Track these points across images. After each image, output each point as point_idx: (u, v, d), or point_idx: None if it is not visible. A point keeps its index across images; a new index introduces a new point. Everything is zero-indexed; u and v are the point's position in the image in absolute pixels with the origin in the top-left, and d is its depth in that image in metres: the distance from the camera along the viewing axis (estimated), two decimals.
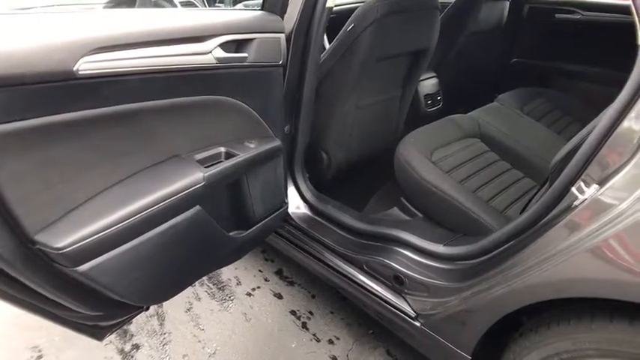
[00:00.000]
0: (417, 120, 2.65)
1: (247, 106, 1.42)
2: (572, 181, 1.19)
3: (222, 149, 1.39)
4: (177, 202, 1.21)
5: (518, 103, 2.59)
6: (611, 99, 1.13)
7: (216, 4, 2.63)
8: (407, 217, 1.91)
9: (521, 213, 1.75)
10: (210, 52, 1.21)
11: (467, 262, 1.51)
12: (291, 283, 2.32)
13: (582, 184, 1.15)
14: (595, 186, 1.12)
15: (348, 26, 1.83)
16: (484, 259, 1.46)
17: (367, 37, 1.84)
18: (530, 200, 1.76)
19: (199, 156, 1.33)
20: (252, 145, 1.44)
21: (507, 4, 2.75)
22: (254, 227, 1.59)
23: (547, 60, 3.04)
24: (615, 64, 2.89)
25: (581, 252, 1.10)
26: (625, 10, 2.75)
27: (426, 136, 2.02)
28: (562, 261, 1.14)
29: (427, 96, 2.62)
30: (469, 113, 2.35)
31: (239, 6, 3.06)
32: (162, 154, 1.26)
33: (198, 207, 1.28)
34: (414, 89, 2.41)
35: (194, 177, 1.24)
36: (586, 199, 1.12)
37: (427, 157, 1.88)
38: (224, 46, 1.27)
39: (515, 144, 2.18)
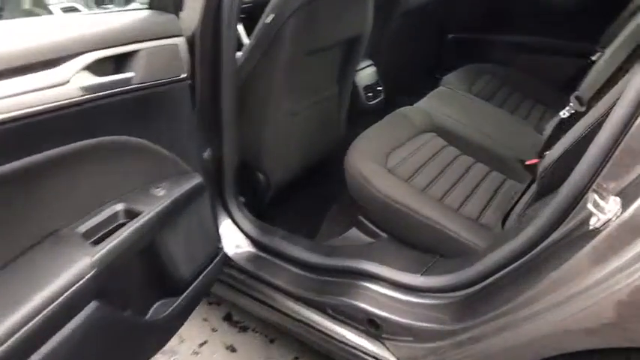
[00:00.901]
0: (359, 117, 2.34)
1: (146, 141, 1.05)
2: (582, 192, 0.93)
3: (120, 207, 1.01)
4: (60, 309, 0.82)
5: (465, 84, 2.35)
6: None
7: (105, 6, 2.18)
8: (369, 239, 1.60)
9: (504, 222, 1.50)
10: (68, 80, 0.82)
11: (455, 294, 1.22)
12: (244, 329, 1.96)
13: (596, 196, 0.88)
14: (615, 200, 0.85)
15: (267, 17, 1.48)
16: (476, 289, 1.17)
17: (292, 28, 1.50)
18: (513, 207, 1.50)
19: (88, 225, 0.95)
20: (160, 193, 1.07)
21: None
22: (184, 294, 1.21)
23: (485, 33, 2.82)
24: (555, 32, 2.79)
25: (620, 291, 0.83)
26: None
27: (377, 138, 1.71)
28: (593, 303, 0.87)
29: (367, 88, 2.31)
30: (417, 103, 2.07)
31: (133, 5, 2.59)
32: (33, 233, 0.88)
33: (95, 303, 0.90)
34: (351, 83, 2.10)
35: (78, 266, 0.85)
36: (610, 220, 0.84)
37: (382, 164, 1.57)
38: (95, 67, 0.89)
39: (474, 133, 1.92)
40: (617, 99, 0.90)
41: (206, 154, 1.40)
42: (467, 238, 1.37)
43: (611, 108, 0.94)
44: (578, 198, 0.95)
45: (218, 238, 1.43)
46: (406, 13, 2.37)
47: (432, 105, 2.05)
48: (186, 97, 1.17)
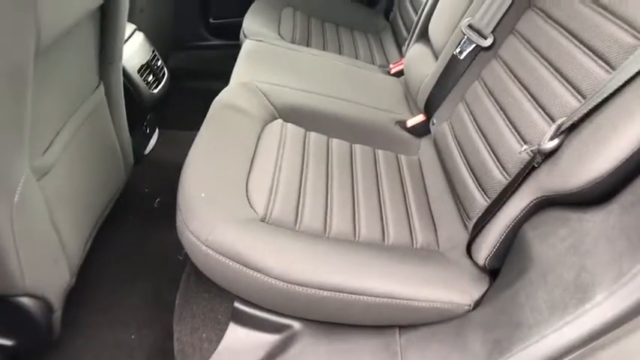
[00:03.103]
0: (140, 118, 1.56)
1: None
2: None
3: None
4: None
5: (271, 29, 1.72)
6: None
7: None
8: (269, 335, 0.94)
9: (469, 248, 0.99)
10: None
11: None
12: None
13: None
14: None
15: None
16: None
17: None
18: (462, 208, 0.99)
19: None
20: None
21: None
22: None
23: None
24: None
25: None
26: None
27: (215, 160, 1.01)
28: None
29: (143, 69, 1.50)
30: (234, 77, 1.39)
31: None
32: None
33: None
34: (121, 68, 1.30)
35: None
36: None
37: (250, 214, 0.90)
38: None
39: (327, 101, 1.34)
40: None
41: None
42: (442, 300, 0.83)
43: None
44: None
45: None
46: None
47: (253, 75, 1.38)
48: None
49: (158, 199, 1.61)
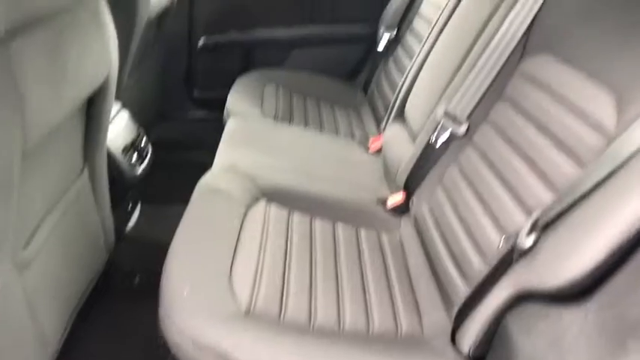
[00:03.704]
0: (123, 196, 1.57)
1: None
2: None
3: None
4: None
5: (254, 106, 1.77)
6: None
7: None
8: None
9: (454, 336, 0.99)
10: None
11: None
12: None
13: None
14: None
15: None
16: None
17: None
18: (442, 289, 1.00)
19: None
20: None
21: None
22: None
23: (243, 30, 2.24)
24: (320, 18, 2.27)
25: None
26: None
27: (198, 251, 1.02)
28: None
29: (128, 149, 1.52)
30: (218, 156, 1.42)
31: None
32: None
33: None
34: (105, 152, 1.31)
35: None
36: None
37: (235, 308, 0.90)
38: None
39: (310, 181, 1.37)
40: None
41: None
42: None
43: None
44: None
45: None
46: (148, 24, 1.63)
47: (236, 156, 1.41)
48: None
49: (138, 277, 1.59)
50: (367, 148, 1.70)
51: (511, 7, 1.16)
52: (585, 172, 0.78)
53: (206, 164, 1.45)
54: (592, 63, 0.87)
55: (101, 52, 1.03)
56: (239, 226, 1.12)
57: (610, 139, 0.78)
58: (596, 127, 0.81)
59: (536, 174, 0.90)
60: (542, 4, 1.08)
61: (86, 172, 1.23)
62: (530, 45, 1.08)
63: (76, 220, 1.19)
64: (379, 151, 1.65)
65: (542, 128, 0.92)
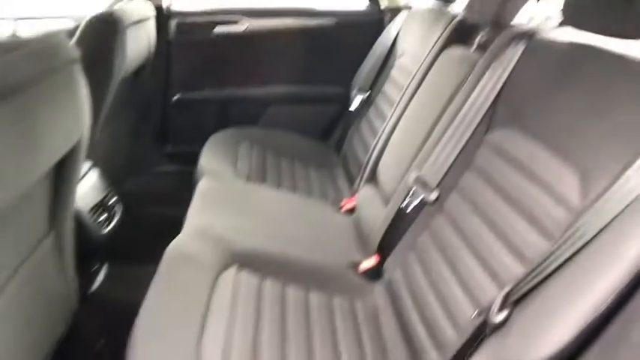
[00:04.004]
0: (88, 256, 1.52)
1: None
2: None
3: None
4: None
5: (227, 165, 1.77)
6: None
7: None
8: None
9: None
10: None
11: None
12: None
13: None
14: None
15: None
16: None
17: None
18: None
19: None
20: None
21: (152, 23, 1.81)
22: None
23: (218, 88, 2.27)
24: (294, 79, 2.32)
25: None
26: (297, 13, 2.24)
27: (162, 329, 0.98)
28: None
29: (95, 209, 1.49)
30: (189, 219, 1.39)
31: None
32: None
33: None
34: (72, 215, 1.28)
35: None
36: None
37: None
38: None
39: (284, 245, 1.36)
40: None
41: None
42: None
43: None
44: None
45: None
46: (123, 81, 1.64)
47: (207, 218, 1.40)
48: None
49: (102, 342, 1.52)
50: (340, 209, 1.71)
51: (479, 79, 1.21)
52: (555, 247, 0.79)
53: (177, 220, 1.43)
54: (557, 139, 0.91)
55: (73, 118, 1.03)
56: (209, 294, 1.09)
57: (577, 214, 0.80)
58: (562, 201, 0.83)
59: (506, 246, 0.91)
60: (509, 77, 1.13)
61: (52, 235, 1.19)
62: (496, 117, 1.12)
63: (39, 284, 1.15)
64: (352, 211, 1.66)
65: (511, 201, 0.95)
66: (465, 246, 1.02)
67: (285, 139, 2.12)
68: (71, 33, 1.51)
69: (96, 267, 1.67)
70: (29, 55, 0.87)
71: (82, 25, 1.49)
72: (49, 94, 0.91)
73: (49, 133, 0.93)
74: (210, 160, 1.79)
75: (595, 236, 0.70)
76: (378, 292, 1.29)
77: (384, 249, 1.32)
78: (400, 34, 1.97)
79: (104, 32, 1.47)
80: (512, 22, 1.28)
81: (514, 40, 1.15)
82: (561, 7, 0.98)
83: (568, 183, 0.84)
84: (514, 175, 0.97)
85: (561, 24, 1.07)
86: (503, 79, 1.12)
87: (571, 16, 0.93)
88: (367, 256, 1.40)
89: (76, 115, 1.04)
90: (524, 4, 1.22)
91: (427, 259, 1.13)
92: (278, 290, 1.19)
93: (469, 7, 1.38)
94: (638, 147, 0.74)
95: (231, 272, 1.21)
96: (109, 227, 1.53)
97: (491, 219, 0.98)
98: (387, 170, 1.50)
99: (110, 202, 1.57)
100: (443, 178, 1.19)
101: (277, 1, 2.33)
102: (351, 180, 1.89)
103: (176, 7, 2.13)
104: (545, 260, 0.77)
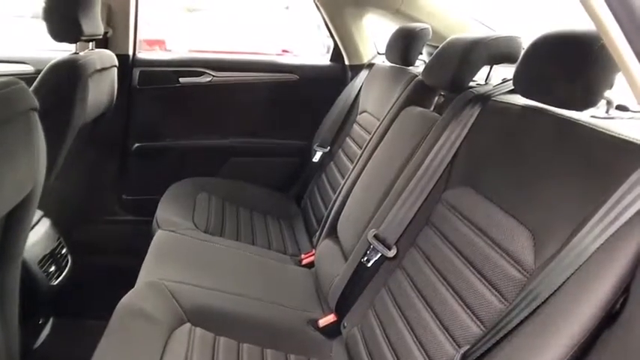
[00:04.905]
0: (34, 309, 1.45)
1: None
2: None
3: None
4: None
5: (185, 217, 1.74)
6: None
7: None
8: None
9: None
10: None
11: None
12: None
13: None
14: None
15: None
16: None
17: None
18: None
19: None
20: None
21: (115, 72, 1.80)
22: None
23: (179, 138, 2.26)
24: (256, 131, 2.34)
25: None
26: (261, 67, 2.29)
27: None
28: None
29: (44, 260, 1.42)
30: (142, 276, 1.35)
31: None
32: None
33: None
34: (19, 268, 1.22)
35: None
36: None
37: None
38: None
39: (239, 302, 1.33)
40: None
41: None
42: None
43: None
44: None
45: None
46: (82, 130, 1.61)
47: (162, 272, 1.35)
48: None
49: None
50: (299, 262, 1.69)
51: (437, 139, 1.24)
52: (510, 307, 0.80)
53: (131, 271, 1.39)
54: (510, 200, 0.94)
55: (27, 169, 1.00)
56: (161, 353, 1.05)
57: (531, 274, 0.82)
58: (517, 262, 0.85)
59: (462, 305, 0.92)
60: (465, 138, 1.17)
61: None
62: (453, 176, 1.15)
63: None
64: (311, 264, 1.65)
65: (467, 259, 0.96)
66: (423, 304, 1.02)
67: (244, 189, 2.11)
68: (31, 78, 1.48)
69: (41, 321, 1.58)
70: None
71: (44, 70, 1.47)
72: (3, 143, 0.89)
73: (4, 181, 0.89)
74: (168, 210, 1.75)
75: (549, 298, 0.72)
76: (336, 350, 1.27)
77: (343, 306, 1.31)
78: (362, 90, 2.03)
79: (66, 79, 1.45)
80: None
81: (470, 102, 1.20)
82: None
83: (521, 244, 0.86)
84: (469, 233, 0.99)
85: (512, 91, 1.14)
86: (460, 140, 1.16)
87: (520, 87, 0.99)
88: (326, 312, 1.39)
89: (31, 165, 1.01)
90: (479, 69, 1.28)
91: (385, 316, 1.12)
92: (233, 349, 1.15)
93: (427, 69, 1.44)
94: (587, 209, 0.76)
95: (184, 329, 1.17)
96: (59, 279, 1.46)
97: (447, 277, 0.99)
98: (346, 226, 1.51)
99: (61, 253, 1.51)
100: (401, 235, 1.20)
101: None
102: (310, 233, 1.89)
103: (141, 55, 2.14)
104: (501, 321, 0.78)
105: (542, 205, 0.86)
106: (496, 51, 1.25)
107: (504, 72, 1.39)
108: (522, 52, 0.99)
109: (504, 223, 0.92)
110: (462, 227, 1.01)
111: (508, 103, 1.10)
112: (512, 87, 1.13)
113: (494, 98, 1.17)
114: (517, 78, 0.99)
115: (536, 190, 0.88)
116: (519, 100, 1.06)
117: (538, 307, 0.72)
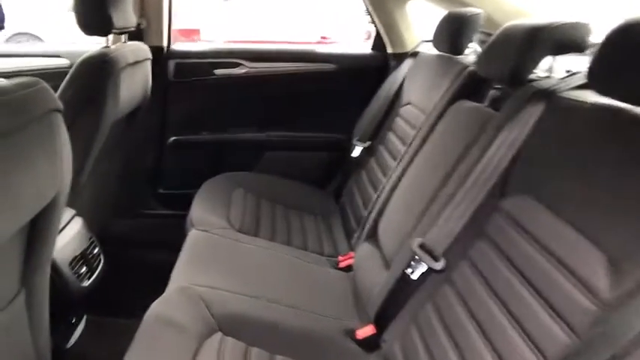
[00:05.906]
0: (66, 310, 1.42)
1: None
2: None
3: None
4: None
5: (220, 216, 1.68)
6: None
7: None
8: None
9: None
10: None
11: None
12: None
13: None
14: None
15: None
16: None
17: None
18: None
19: None
20: None
21: (149, 65, 1.74)
22: None
23: (215, 131, 2.20)
24: (293, 124, 2.23)
25: None
26: (298, 57, 2.20)
27: None
28: None
29: (75, 261, 1.38)
30: (174, 276, 1.30)
31: None
32: None
33: None
34: (48, 271, 1.18)
35: None
36: None
37: None
38: None
39: (273, 309, 1.26)
40: None
41: None
42: None
43: None
44: None
45: None
46: (115, 124, 1.56)
47: (194, 276, 1.30)
48: None
49: None
50: (336, 264, 1.61)
51: (492, 139, 1.11)
52: (581, 345, 0.69)
53: (164, 267, 1.36)
54: (579, 216, 0.81)
55: (49, 176, 0.94)
56: None
57: (605, 305, 0.70)
58: (588, 289, 0.74)
59: (523, 336, 0.81)
60: (526, 139, 1.03)
61: (22, 295, 1.09)
62: (511, 182, 1.02)
63: (5, 349, 1.04)
64: (349, 267, 1.56)
65: (528, 281, 0.85)
66: (474, 326, 0.92)
67: (281, 185, 2.04)
68: (66, 72, 1.44)
69: (74, 321, 1.56)
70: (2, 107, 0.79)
71: (74, 66, 1.42)
72: (22, 147, 0.83)
73: (19, 189, 0.84)
74: (202, 207, 1.69)
75: (625, 345, 0.61)
76: None
77: (383, 317, 1.21)
78: (405, 81, 1.90)
79: (96, 75, 1.40)
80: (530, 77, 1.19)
81: (532, 98, 1.07)
82: (584, 65, 0.90)
83: (594, 269, 0.74)
84: (531, 251, 0.87)
85: (584, 86, 0.99)
86: (520, 141, 1.03)
87: (598, 82, 0.84)
88: (364, 322, 1.29)
89: (53, 172, 0.96)
90: (541, 59, 1.14)
91: (430, 335, 1.02)
92: None
93: (481, 59, 1.30)
94: None
95: (215, 339, 1.11)
96: (90, 280, 1.42)
97: (504, 299, 0.88)
98: (388, 230, 1.41)
99: (93, 254, 1.47)
100: (450, 246, 1.09)
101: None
102: (348, 232, 1.80)
103: (175, 47, 2.08)
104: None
105: (623, 226, 0.73)
106: (561, 39, 1.11)
107: (567, 63, 1.25)
108: (599, 41, 0.84)
109: (573, 241, 0.79)
110: (523, 242, 0.89)
111: (578, 100, 0.95)
112: (582, 81, 1.00)
113: (560, 94, 1.02)
114: (593, 71, 0.84)
115: (616, 208, 0.75)
116: (591, 97, 0.92)
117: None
